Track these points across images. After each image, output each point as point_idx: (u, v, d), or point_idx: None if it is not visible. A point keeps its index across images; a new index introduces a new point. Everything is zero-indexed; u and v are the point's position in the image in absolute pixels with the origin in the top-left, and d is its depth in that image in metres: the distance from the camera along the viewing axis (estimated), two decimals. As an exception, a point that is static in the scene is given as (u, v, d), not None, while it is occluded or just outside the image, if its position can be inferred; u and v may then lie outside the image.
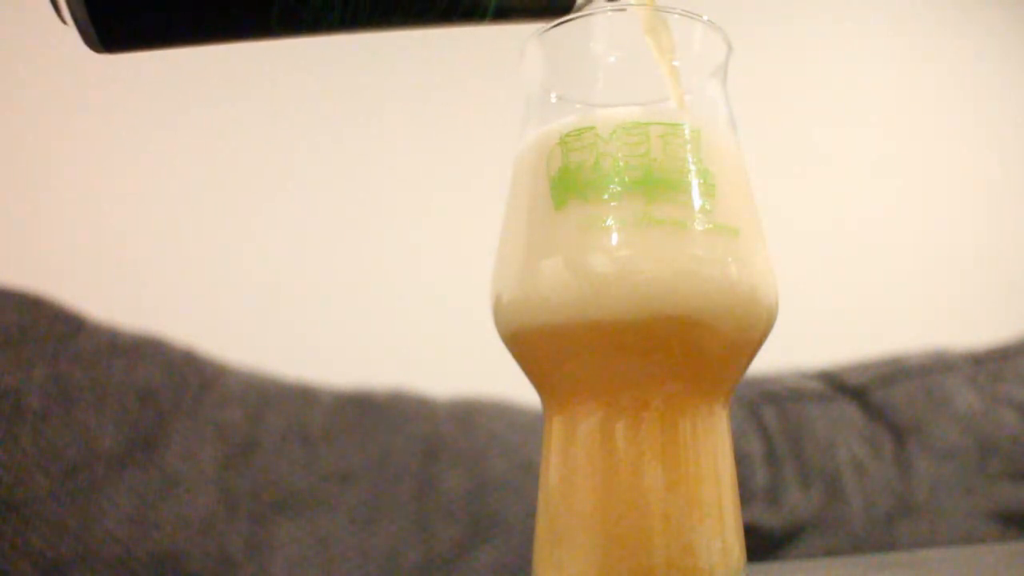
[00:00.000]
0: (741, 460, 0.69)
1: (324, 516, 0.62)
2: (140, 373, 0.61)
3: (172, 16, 0.26)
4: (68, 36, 0.26)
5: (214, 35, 0.27)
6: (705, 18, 0.31)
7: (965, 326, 0.92)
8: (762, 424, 0.73)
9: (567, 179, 0.29)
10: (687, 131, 0.29)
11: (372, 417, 0.68)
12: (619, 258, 0.27)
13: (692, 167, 0.29)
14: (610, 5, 0.31)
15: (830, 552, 0.67)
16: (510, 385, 0.53)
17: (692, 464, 0.28)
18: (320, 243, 0.96)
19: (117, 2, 0.25)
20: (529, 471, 0.66)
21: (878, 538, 0.69)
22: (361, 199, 0.99)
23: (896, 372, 0.78)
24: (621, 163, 0.28)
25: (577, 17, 0.31)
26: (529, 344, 0.31)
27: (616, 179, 0.28)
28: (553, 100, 0.32)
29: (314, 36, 0.28)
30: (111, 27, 0.26)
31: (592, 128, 0.29)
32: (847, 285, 1.13)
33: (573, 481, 0.29)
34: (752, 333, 0.30)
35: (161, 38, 0.27)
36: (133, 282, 0.85)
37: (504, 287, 0.30)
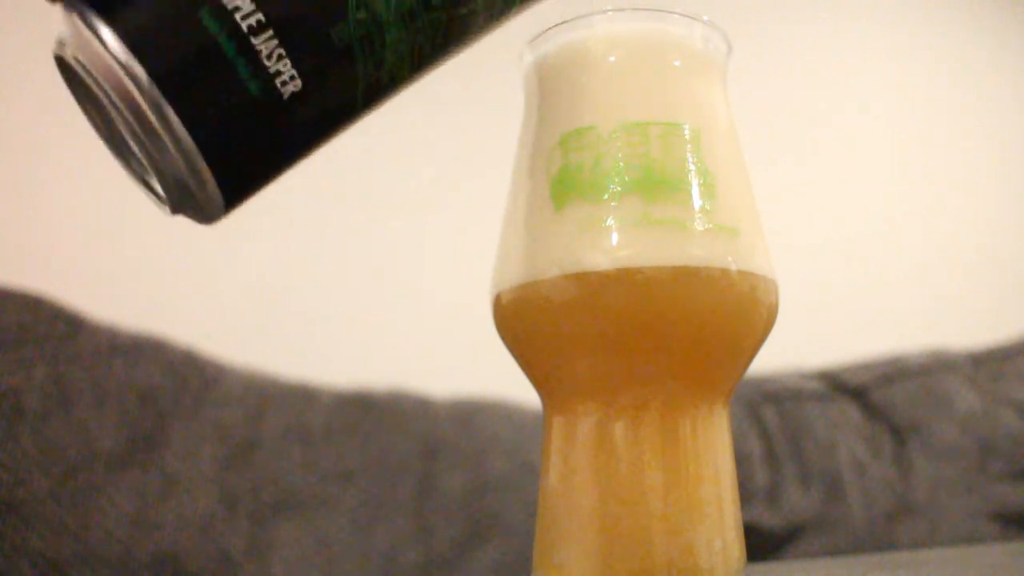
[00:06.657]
0: (741, 460, 0.68)
1: (324, 516, 0.62)
2: (140, 373, 0.61)
3: (283, 151, 0.26)
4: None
5: (314, 146, 0.26)
6: (705, 18, 0.31)
7: (965, 326, 0.92)
8: (762, 424, 0.73)
9: (567, 179, 0.29)
10: (687, 131, 0.29)
11: (372, 417, 0.68)
12: (619, 258, 0.27)
13: (692, 167, 0.29)
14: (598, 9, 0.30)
15: (830, 552, 0.67)
16: (510, 385, 0.53)
17: (692, 464, 0.28)
18: (320, 243, 0.96)
19: (243, 161, 0.24)
20: (529, 471, 0.66)
21: (878, 538, 0.68)
22: (361, 198, 0.99)
23: (896, 372, 0.78)
24: (621, 163, 0.28)
25: (572, 20, 0.31)
26: (529, 344, 0.31)
27: (616, 179, 0.28)
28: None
29: (392, 98, 0.27)
30: (235, 188, 0.25)
31: (592, 128, 0.29)
32: (847, 285, 1.13)
33: (573, 481, 0.29)
34: (752, 333, 0.30)
35: (273, 172, 0.26)
36: (133, 282, 0.85)
37: (504, 287, 0.30)
